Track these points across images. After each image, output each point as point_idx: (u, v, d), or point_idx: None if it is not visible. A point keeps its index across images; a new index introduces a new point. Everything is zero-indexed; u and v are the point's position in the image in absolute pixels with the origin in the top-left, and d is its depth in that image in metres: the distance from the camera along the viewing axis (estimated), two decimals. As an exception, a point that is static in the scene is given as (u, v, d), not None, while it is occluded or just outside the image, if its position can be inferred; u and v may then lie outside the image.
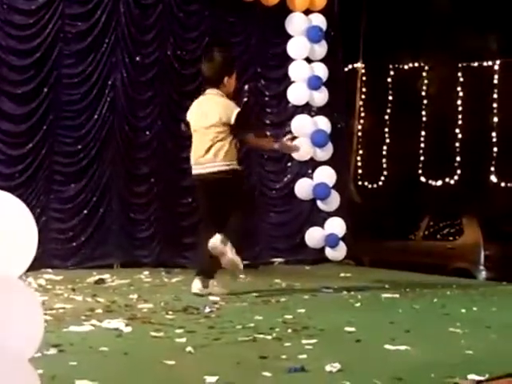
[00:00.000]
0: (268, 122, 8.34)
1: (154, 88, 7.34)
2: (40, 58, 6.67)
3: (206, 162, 4.96)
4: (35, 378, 1.61)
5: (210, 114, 4.94)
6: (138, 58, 7.21)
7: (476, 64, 11.78)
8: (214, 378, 2.54)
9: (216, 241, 4.73)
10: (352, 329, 3.63)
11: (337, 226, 8.11)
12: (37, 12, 6.67)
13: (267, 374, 2.65)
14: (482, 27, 11.33)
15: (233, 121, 4.89)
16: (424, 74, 12.38)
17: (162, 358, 2.86)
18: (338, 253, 8.11)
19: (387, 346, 3.21)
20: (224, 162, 4.94)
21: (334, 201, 8.21)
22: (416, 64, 12.42)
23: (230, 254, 4.75)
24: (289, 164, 8.34)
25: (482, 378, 2.64)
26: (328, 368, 2.73)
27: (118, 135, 7.12)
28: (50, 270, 6.11)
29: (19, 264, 1.60)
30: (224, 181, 4.95)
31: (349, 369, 2.75)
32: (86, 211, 6.90)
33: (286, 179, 8.31)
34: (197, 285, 4.89)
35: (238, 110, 4.96)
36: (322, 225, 8.14)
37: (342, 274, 6.80)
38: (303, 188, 8.15)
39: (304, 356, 2.96)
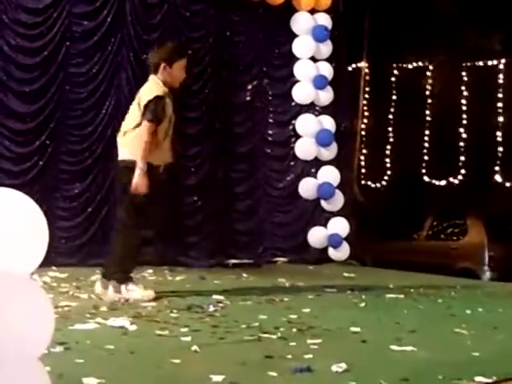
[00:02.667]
0: (272, 121, 8.33)
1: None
2: (47, 57, 6.69)
3: (119, 145, 4.65)
4: (45, 376, 1.62)
5: (136, 96, 4.66)
6: (144, 56, 7.21)
7: (480, 63, 11.75)
8: (219, 377, 2.54)
9: (98, 289, 4.58)
10: (357, 329, 3.63)
11: (340, 225, 8.12)
12: (44, 11, 6.68)
13: (273, 373, 2.65)
14: (486, 26, 11.32)
15: (141, 106, 4.48)
16: (428, 73, 12.36)
17: (167, 357, 2.86)
18: (342, 253, 8.12)
19: (393, 347, 3.21)
20: (127, 149, 4.54)
21: (338, 200, 8.22)
22: (420, 63, 12.40)
23: (111, 295, 4.48)
24: (292, 163, 8.33)
25: (489, 380, 2.64)
26: (334, 368, 2.73)
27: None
28: (54, 268, 6.11)
29: (30, 262, 1.60)
30: (120, 172, 4.66)
31: (355, 369, 2.75)
32: (90, 209, 6.91)
33: (289, 178, 8.30)
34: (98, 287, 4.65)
35: (152, 97, 4.47)
36: (325, 224, 8.15)
37: (346, 274, 6.79)
38: (307, 187, 8.16)
39: (310, 356, 2.97)
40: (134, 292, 4.52)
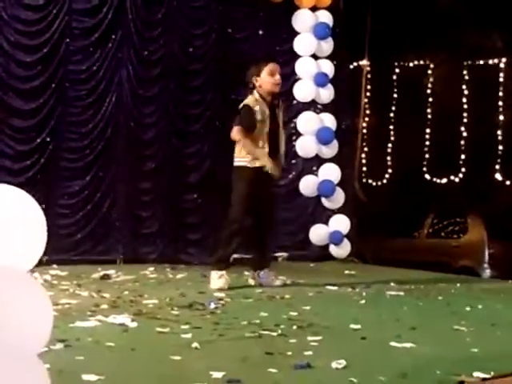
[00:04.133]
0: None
1: (160, 84, 7.35)
2: (47, 54, 6.69)
3: None
4: (44, 373, 1.62)
5: None
6: (145, 53, 7.22)
7: (481, 62, 11.74)
8: (220, 374, 2.55)
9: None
10: (357, 326, 3.63)
11: (341, 223, 8.13)
12: (44, 8, 6.69)
13: (273, 370, 2.66)
14: (487, 25, 11.30)
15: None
16: (429, 71, 12.34)
17: (168, 354, 2.87)
18: (342, 250, 8.12)
19: (392, 343, 3.21)
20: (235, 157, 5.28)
21: (339, 198, 8.22)
22: (421, 62, 12.38)
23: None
24: (294, 161, 8.33)
25: (487, 376, 2.64)
26: (334, 365, 2.74)
27: (124, 131, 7.13)
28: (55, 266, 6.13)
29: (29, 258, 1.61)
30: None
31: (354, 365, 2.75)
32: (89, 207, 6.92)
33: (290, 176, 8.30)
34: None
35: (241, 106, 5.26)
36: (326, 222, 8.15)
37: (347, 272, 6.80)
38: (308, 185, 8.17)
39: (310, 353, 2.97)
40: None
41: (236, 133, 5.12)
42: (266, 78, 5.21)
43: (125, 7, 7.05)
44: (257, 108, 5.14)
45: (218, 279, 5.06)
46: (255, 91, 5.22)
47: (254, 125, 5.11)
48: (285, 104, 5.56)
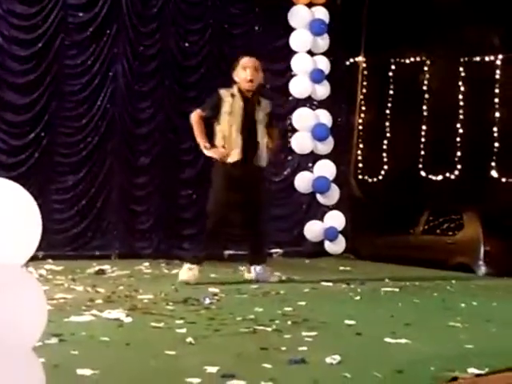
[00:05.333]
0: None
1: (155, 79, 7.33)
2: (42, 49, 6.67)
3: None
4: (39, 367, 1.61)
5: None
6: (141, 48, 7.20)
7: (478, 59, 11.74)
8: (214, 369, 2.55)
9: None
10: (352, 322, 3.64)
11: (336, 219, 8.13)
12: (39, 2, 6.66)
13: (267, 365, 2.66)
14: (484, 22, 11.29)
15: None
16: (426, 68, 12.34)
17: (162, 349, 2.87)
18: (337, 246, 8.12)
19: (387, 339, 3.22)
20: None
21: (334, 194, 8.22)
22: (418, 58, 12.38)
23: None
24: (289, 157, 8.33)
25: (481, 372, 2.65)
26: (328, 360, 2.74)
27: (119, 126, 7.12)
28: (50, 261, 6.11)
29: (23, 252, 1.60)
30: None
31: (349, 361, 2.75)
32: (84, 201, 6.90)
33: (286, 172, 8.30)
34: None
35: None
36: (321, 218, 8.15)
37: (342, 268, 6.81)
38: (303, 181, 8.16)
39: (304, 348, 2.97)
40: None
41: (193, 115, 5.12)
42: (240, 73, 5.10)
43: (120, 1, 7.03)
44: (228, 99, 5.05)
45: (187, 271, 5.06)
46: (236, 85, 5.14)
47: (213, 112, 5.04)
48: (271, 107, 5.36)
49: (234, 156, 5.04)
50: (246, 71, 5.05)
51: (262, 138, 5.18)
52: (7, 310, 1.49)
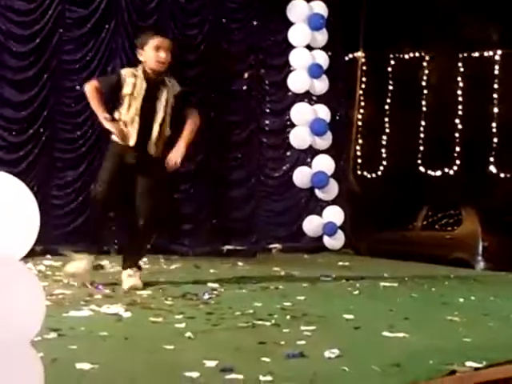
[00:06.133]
0: (267, 110, 8.32)
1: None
2: (40, 44, 6.64)
3: None
4: (37, 361, 1.61)
5: None
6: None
7: (477, 54, 11.74)
8: (213, 363, 2.55)
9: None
10: (351, 316, 3.64)
11: (335, 214, 8.14)
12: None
13: (266, 359, 2.66)
14: (483, 17, 11.29)
15: None
16: (425, 63, 12.34)
17: (161, 343, 2.87)
18: (336, 241, 8.14)
19: (386, 333, 3.22)
20: None
21: (333, 190, 8.23)
22: (417, 54, 12.38)
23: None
24: (288, 153, 8.33)
25: (479, 365, 2.66)
26: (327, 354, 2.74)
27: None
28: (49, 256, 6.11)
29: (21, 246, 1.60)
30: None
31: (347, 355, 2.76)
32: (83, 197, 6.89)
33: (284, 167, 8.30)
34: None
35: None
36: (320, 213, 8.16)
37: (341, 263, 6.81)
38: (302, 176, 8.17)
39: (303, 342, 2.98)
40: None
41: (87, 84, 4.63)
42: (150, 53, 4.52)
43: (119, -4, 7.01)
44: (129, 80, 4.53)
45: (75, 261, 4.67)
46: (140, 65, 4.60)
47: (109, 89, 4.54)
48: (180, 89, 4.70)
49: (131, 142, 4.53)
50: (158, 52, 4.52)
51: (158, 123, 4.56)
52: (5, 304, 1.49)
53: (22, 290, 1.54)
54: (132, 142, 4.53)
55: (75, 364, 2.48)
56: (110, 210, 4.83)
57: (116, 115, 4.57)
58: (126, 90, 4.53)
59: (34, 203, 1.62)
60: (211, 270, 5.67)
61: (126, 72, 4.62)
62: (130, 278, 4.59)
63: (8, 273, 1.53)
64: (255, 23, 7.99)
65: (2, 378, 1.50)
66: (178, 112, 4.66)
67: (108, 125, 4.52)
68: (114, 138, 4.60)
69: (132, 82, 4.54)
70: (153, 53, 4.52)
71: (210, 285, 4.74)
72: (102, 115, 4.53)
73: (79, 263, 4.65)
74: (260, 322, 3.41)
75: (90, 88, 4.58)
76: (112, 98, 4.62)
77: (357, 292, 4.71)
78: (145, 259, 6.40)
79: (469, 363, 2.66)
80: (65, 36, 6.79)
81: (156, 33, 4.69)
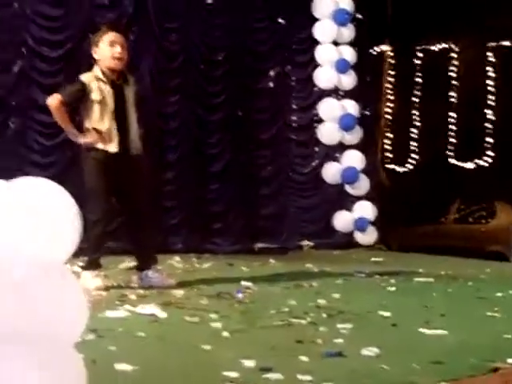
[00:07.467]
0: (295, 106, 8.30)
1: (181, 75, 7.35)
2: (71, 49, 6.72)
3: None
4: (80, 363, 1.63)
5: None
6: (166, 44, 7.20)
7: (506, 43, 11.55)
8: (251, 362, 2.55)
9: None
10: (387, 313, 3.61)
11: (366, 209, 8.09)
12: (66, 3, 6.72)
13: (304, 358, 2.65)
14: (511, 6, 11.09)
15: None
16: (452, 54, 12.18)
17: (198, 343, 2.87)
18: (368, 237, 8.09)
19: (423, 330, 3.19)
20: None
21: (363, 185, 8.18)
22: (444, 45, 12.22)
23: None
24: (316, 148, 8.30)
25: (522, 362, 2.61)
26: (365, 352, 2.72)
27: (148, 123, 7.15)
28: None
29: (63, 249, 1.61)
30: None
31: (386, 353, 2.73)
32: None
33: (313, 163, 8.28)
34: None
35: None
36: (350, 209, 8.12)
37: (374, 259, 6.77)
38: (331, 172, 8.13)
39: (340, 340, 2.96)
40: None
41: (50, 99, 4.38)
42: (105, 51, 4.33)
43: (145, 0, 7.05)
44: (93, 85, 4.33)
45: (93, 278, 4.44)
46: (96, 66, 4.40)
47: (74, 101, 4.35)
48: (136, 84, 4.61)
49: (111, 148, 4.37)
50: (114, 47, 4.34)
51: (134, 122, 4.47)
52: (50, 307, 1.50)
53: (65, 293, 1.55)
54: (113, 148, 4.37)
55: (114, 365, 2.50)
56: (112, 220, 4.73)
57: (87, 124, 4.40)
58: (94, 96, 4.34)
59: (75, 209, 1.64)
60: (243, 268, 5.67)
61: (87, 78, 4.39)
62: (162, 276, 4.63)
63: (52, 276, 1.55)
64: (280, 20, 7.97)
65: (48, 380, 1.52)
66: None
67: (81, 139, 4.38)
68: (87, 145, 4.41)
69: (96, 85, 4.35)
70: (108, 48, 4.34)
71: (244, 283, 4.74)
72: (70, 131, 4.40)
73: (98, 278, 4.49)
74: (296, 321, 3.40)
75: (54, 102, 4.34)
76: (78, 107, 4.43)
77: (392, 288, 4.68)
78: (177, 258, 6.46)
79: (510, 360, 2.61)
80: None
81: (110, 28, 4.53)
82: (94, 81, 4.36)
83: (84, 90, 4.34)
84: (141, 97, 4.61)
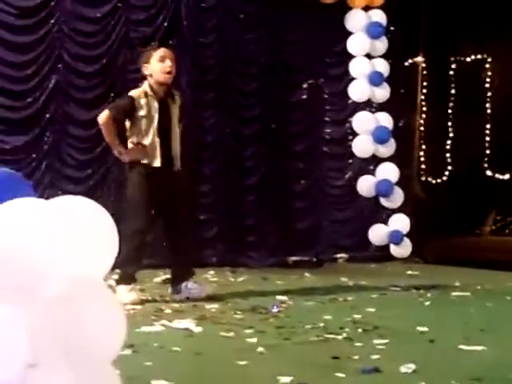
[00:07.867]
0: (329, 119, 8.28)
1: (216, 89, 7.42)
2: (106, 65, 6.84)
3: None
4: (117, 380, 1.64)
5: None
6: (201, 59, 7.26)
7: (542, 53, 11.36)
8: (287, 379, 2.54)
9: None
10: (424, 328, 3.56)
11: (401, 222, 7.99)
12: (102, 19, 6.84)
13: (341, 374, 2.63)
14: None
15: None
16: (487, 65, 12.03)
17: (234, 358, 2.88)
18: (403, 250, 7.97)
19: (462, 346, 3.14)
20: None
21: (398, 197, 8.09)
22: (479, 56, 12.08)
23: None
24: (350, 161, 8.26)
25: None
26: (403, 369, 2.69)
27: (185, 136, 7.21)
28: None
29: (102, 266, 1.63)
30: None
31: (424, 369, 2.70)
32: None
33: (347, 176, 8.24)
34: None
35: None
36: (385, 221, 8.04)
37: (409, 272, 6.69)
38: (365, 185, 8.07)
39: (377, 356, 2.93)
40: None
41: (101, 116, 4.48)
42: (155, 65, 4.49)
43: (180, 15, 7.15)
44: (142, 101, 4.47)
45: (128, 292, 4.45)
46: (146, 82, 4.55)
47: (122, 116, 4.47)
48: (182, 99, 4.76)
49: (155, 163, 4.49)
50: (164, 62, 4.49)
51: (177, 138, 4.62)
52: (89, 323, 1.52)
53: (104, 310, 1.57)
54: (157, 163, 4.48)
55: (151, 381, 2.51)
56: (150, 232, 4.83)
57: (134, 139, 4.50)
58: (141, 112, 4.46)
59: (112, 224, 1.66)
60: (278, 282, 5.66)
61: (136, 94, 4.52)
62: (201, 286, 4.71)
63: (91, 292, 1.57)
64: (313, 34, 7.99)
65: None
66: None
67: (126, 157, 4.49)
68: (130, 160, 4.50)
69: (145, 102, 4.48)
70: (158, 64, 4.49)
71: (278, 297, 4.73)
72: (118, 150, 4.49)
73: (133, 292, 4.52)
74: (331, 336, 3.38)
75: (105, 119, 4.46)
76: (125, 123, 4.54)
77: (428, 302, 4.62)
78: (212, 272, 6.48)
79: (553, 377, 2.55)
80: (130, 55, 6.96)
81: (160, 45, 4.74)
82: (143, 97, 4.49)
83: (133, 106, 4.46)
84: (181, 113, 4.71)
